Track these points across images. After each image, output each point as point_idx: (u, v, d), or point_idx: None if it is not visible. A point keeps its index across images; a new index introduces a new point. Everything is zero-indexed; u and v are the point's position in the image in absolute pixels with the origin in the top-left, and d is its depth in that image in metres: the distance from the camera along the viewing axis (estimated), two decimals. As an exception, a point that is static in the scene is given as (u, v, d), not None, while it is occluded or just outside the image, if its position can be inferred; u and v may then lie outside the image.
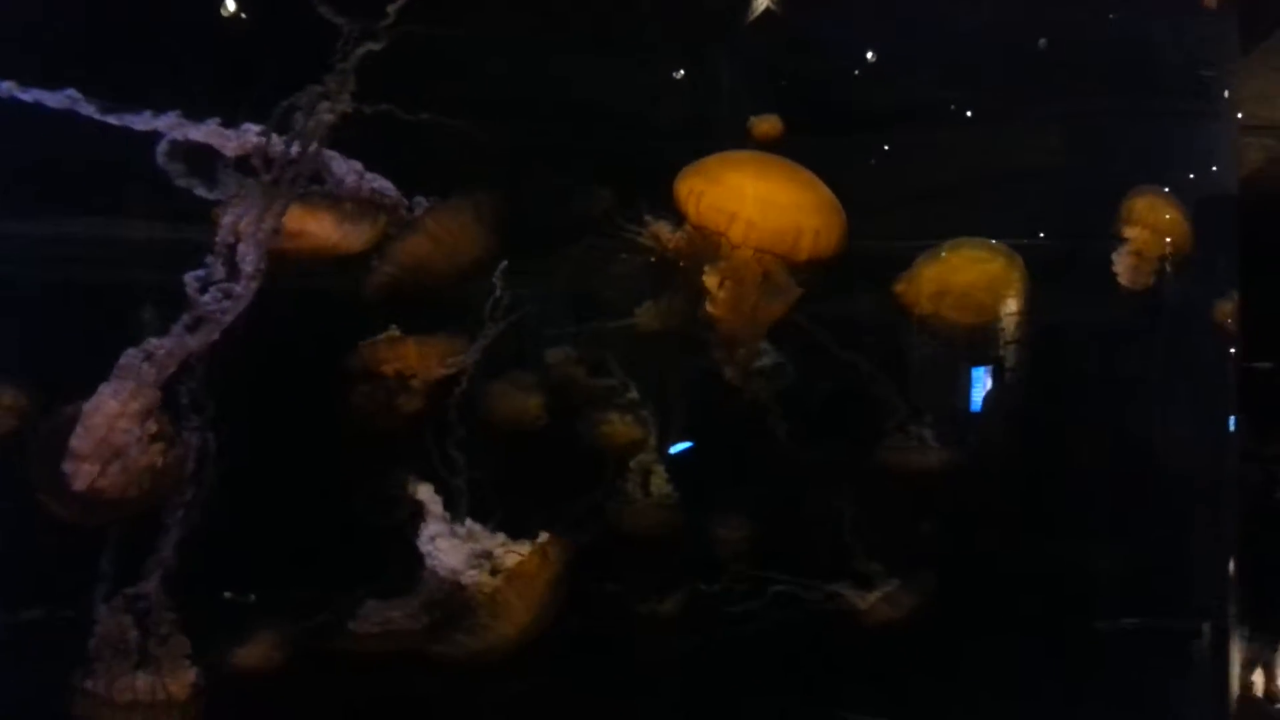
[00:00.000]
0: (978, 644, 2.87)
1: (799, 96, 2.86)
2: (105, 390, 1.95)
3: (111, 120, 2.03)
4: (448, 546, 2.05)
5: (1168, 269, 2.81)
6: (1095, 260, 2.95)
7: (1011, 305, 2.81)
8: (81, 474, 1.93)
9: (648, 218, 2.45)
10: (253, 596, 2.22)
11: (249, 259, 1.99)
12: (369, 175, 2.16)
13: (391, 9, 2.03)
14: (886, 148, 3.12)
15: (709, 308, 2.30)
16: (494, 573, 2.09)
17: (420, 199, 2.30)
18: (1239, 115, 3.34)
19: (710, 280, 2.27)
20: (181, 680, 2.08)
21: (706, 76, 2.98)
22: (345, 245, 2.25)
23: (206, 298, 2.00)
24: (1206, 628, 3.23)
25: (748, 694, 2.83)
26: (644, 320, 2.74)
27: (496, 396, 2.57)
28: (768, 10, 2.91)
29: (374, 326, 2.43)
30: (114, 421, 1.94)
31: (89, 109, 2.01)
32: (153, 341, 1.99)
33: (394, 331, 2.42)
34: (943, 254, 2.80)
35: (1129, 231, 2.73)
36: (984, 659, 2.86)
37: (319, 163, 2.09)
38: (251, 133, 2.06)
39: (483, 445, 2.40)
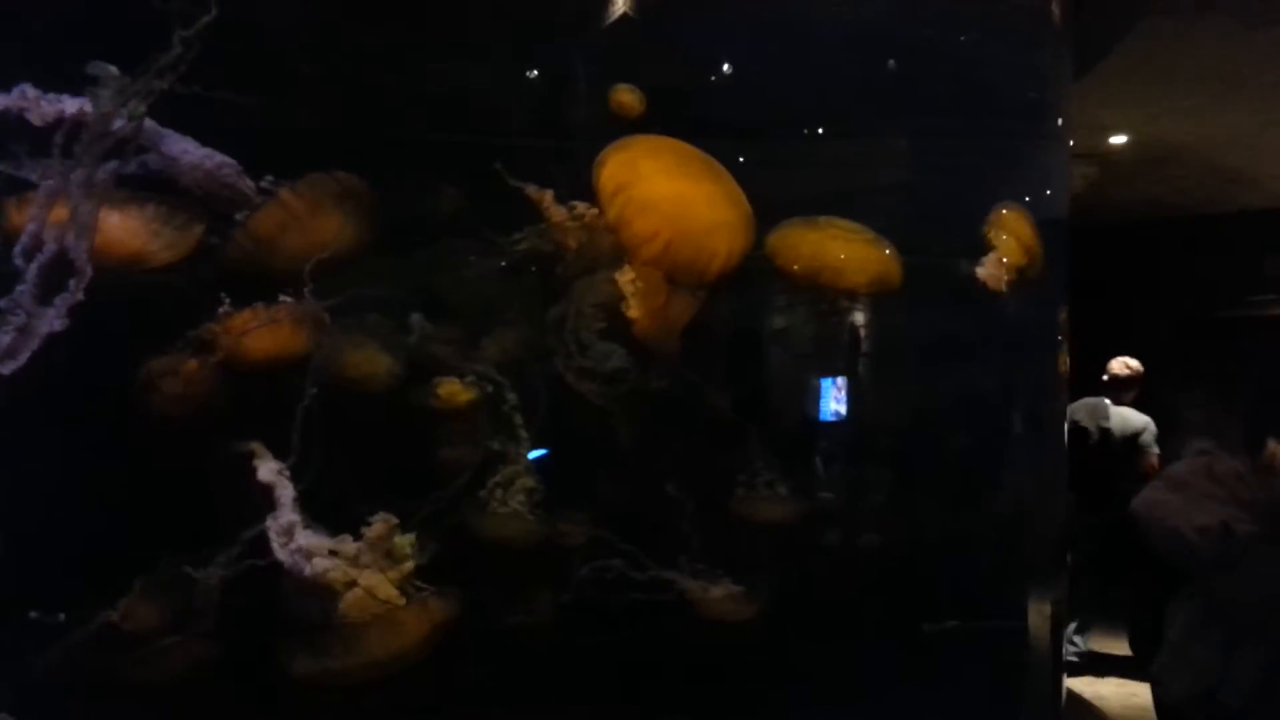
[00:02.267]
0: (817, 647, 2.88)
1: (655, 104, 2.82)
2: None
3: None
4: (304, 543, 1.83)
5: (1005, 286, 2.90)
6: (938, 276, 3.04)
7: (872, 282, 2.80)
8: None
9: (573, 202, 2.30)
10: (63, 615, 1.97)
11: (64, 292, 1.71)
12: (207, 151, 1.96)
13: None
14: (741, 160, 3.13)
15: (626, 310, 2.19)
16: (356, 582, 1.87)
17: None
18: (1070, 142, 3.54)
19: (624, 280, 2.16)
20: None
21: (562, 78, 2.93)
22: (150, 254, 1.99)
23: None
24: (1039, 629, 3.37)
25: (587, 696, 2.75)
26: (490, 352, 2.65)
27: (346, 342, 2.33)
28: (624, 15, 2.88)
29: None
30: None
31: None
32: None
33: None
34: (819, 222, 2.76)
35: (996, 238, 2.80)
36: (823, 663, 2.88)
37: (147, 139, 1.89)
38: (69, 102, 1.84)
39: (334, 417, 2.19)
